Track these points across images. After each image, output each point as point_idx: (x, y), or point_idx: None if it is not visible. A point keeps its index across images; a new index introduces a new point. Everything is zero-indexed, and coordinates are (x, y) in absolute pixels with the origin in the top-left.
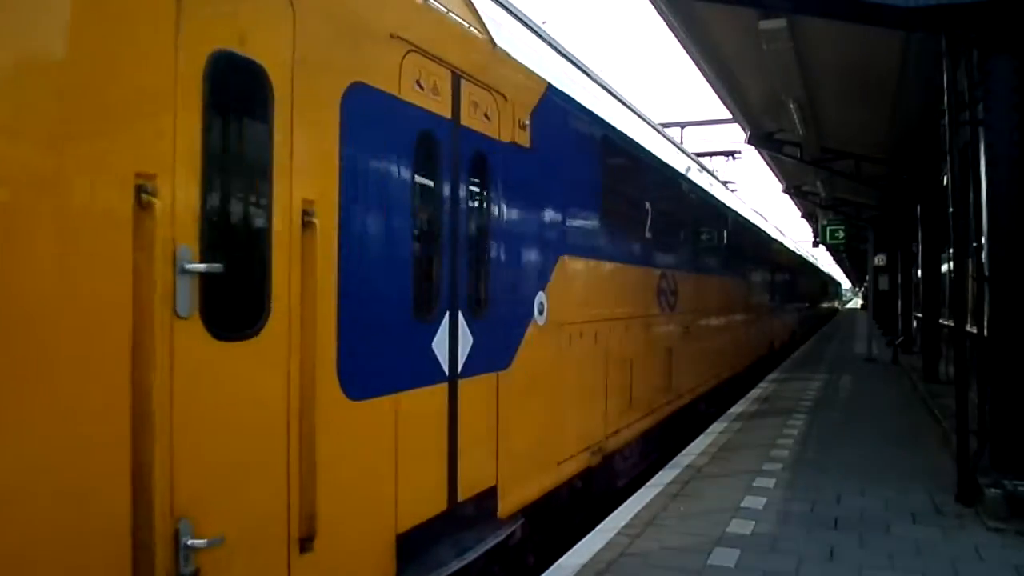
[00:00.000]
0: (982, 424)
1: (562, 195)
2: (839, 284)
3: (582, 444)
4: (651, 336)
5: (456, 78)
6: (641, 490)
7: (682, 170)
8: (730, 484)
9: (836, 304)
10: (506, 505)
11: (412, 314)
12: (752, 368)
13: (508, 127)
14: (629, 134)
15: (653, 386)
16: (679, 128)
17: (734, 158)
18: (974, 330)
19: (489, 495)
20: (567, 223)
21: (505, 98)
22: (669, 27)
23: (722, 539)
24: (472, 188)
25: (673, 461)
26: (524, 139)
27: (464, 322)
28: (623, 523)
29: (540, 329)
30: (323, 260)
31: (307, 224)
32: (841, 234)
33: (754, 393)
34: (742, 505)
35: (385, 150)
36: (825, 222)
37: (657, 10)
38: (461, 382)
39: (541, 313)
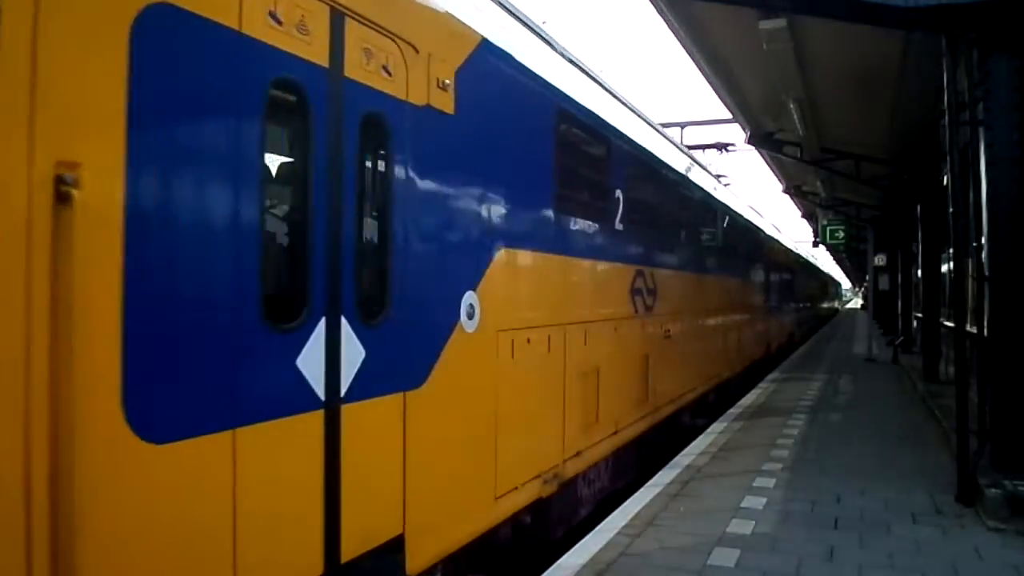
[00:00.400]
0: (982, 424)
1: (500, 174)
2: (839, 284)
3: (531, 472)
4: (623, 341)
5: (337, 16)
6: (641, 490)
7: (663, 156)
8: (730, 484)
9: (836, 304)
10: (418, 558)
11: (262, 321)
12: (747, 373)
13: (421, 87)
14: (594, 109)
15: (626, 398)
16: (679, 128)
17: (727, 151)
18: (974, 330)
19: (392, 548)
20: (508, 209)
21: (416, 50)
22: (669, 27)
23: (722, 539)
24: (365, 159)
25: (673, 461)
26: (446, 103)
27: (351, 330)
28: (623, 523)
29: (469, 337)
30: (94, 246)
31: (63, 196)
32: (841, 234)
33: (753, 393)
34: (742, 505)
35: (214, 100)
36: (825, 222)
37: (657, 10)
38: (346, 408)
39: (471, 317)
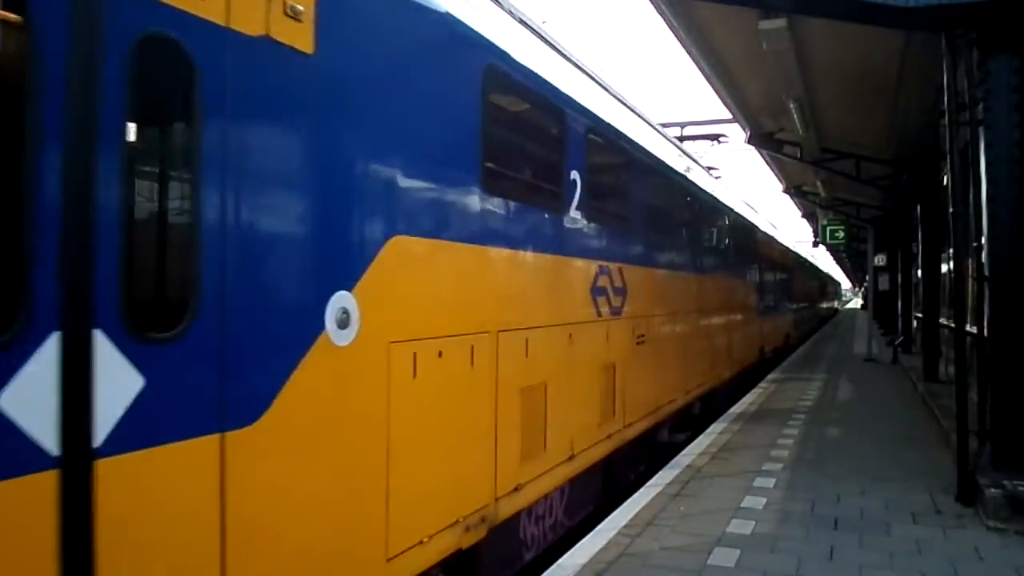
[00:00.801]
0: (982, 424)
1: (393, 142)
2: (839, 284)
3: (445, 519)
4: (581, 349)
5: None
6: (641, 490)
7: (635, 136)
8: (730, 484)
9: (836, 304)
10: None
11: None
12: (738, 378)
13: (254, 11)
14: (542, 72)
15: (586, 416)
16: (679, 127)
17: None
18: (974, 330)
19: None
20: (406, 187)
21: None
22: (669, 27)
23: (722, 539)
24: (146, 101)
25: (673, 461)
26: (299, 38)
27: (115, 349)
28: (623, 523)
29: (340, 352)
30: None
31: None
32: (841, 234)
33: (753, 393)
34: (742, 505)
35: None
36: (825, 222)
37: (657, 10)
38: (105, 463)
39: (344, 326)
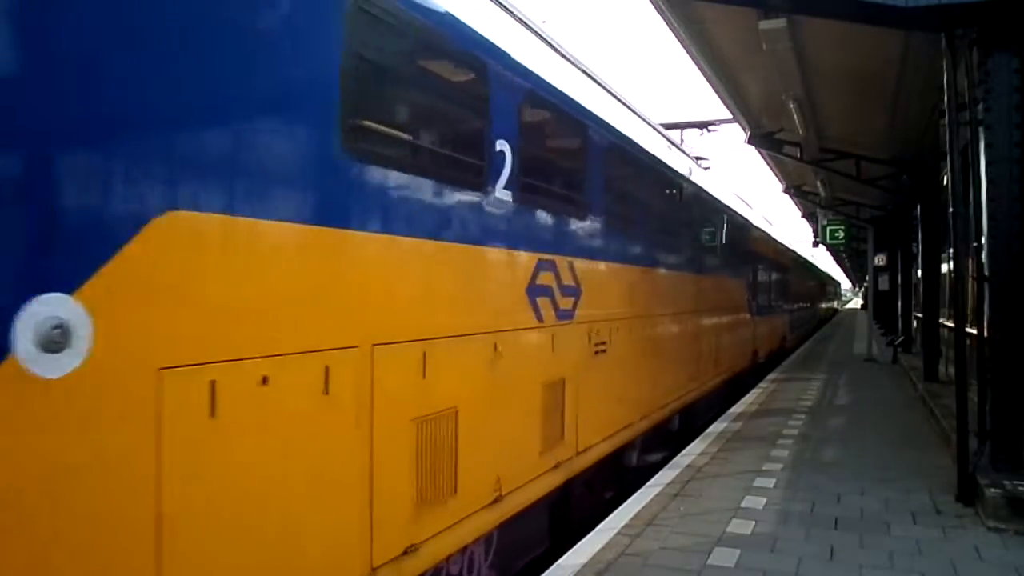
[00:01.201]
0: (982, 424)
1: (165, 65)
2: (839, 284)
3: None
4: (512, 363)
5: None
6: (641, 490)
7: (592, 104)
8: (730, 484)
9: (836, 304)
10: None
11: None
12: (727, 386)
13: None
14: (449, 8)
15: (520, 445)
16: (679, 129)
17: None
18: (974, 330)
19: None
20: (193, 139)
21: None
22: (669, 27)
23: (722, 539)
24: None
25: (673, 461)
26: None
27: None
28: (623, 523)
29: (46, 388)
30: None
31: None
32: (841, 234)
33: (753, 393)
34: (742, 505)
35: None
36: (825, 222)
37: (657, 10)
38: None
39: (57, 348)
